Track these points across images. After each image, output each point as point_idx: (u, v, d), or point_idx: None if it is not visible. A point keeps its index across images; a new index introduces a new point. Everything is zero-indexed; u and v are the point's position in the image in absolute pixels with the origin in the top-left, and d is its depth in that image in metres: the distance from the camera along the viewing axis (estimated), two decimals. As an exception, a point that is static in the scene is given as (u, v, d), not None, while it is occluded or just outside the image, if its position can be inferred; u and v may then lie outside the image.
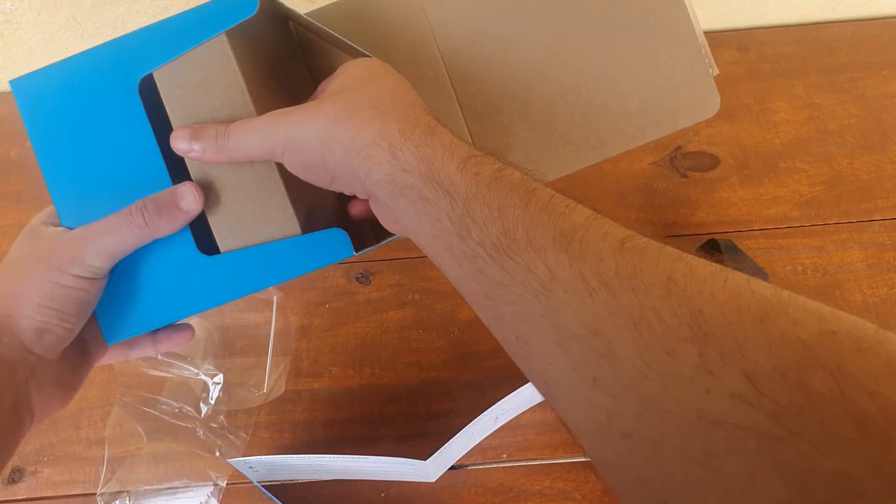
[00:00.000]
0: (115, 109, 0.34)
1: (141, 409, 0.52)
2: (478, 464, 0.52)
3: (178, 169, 0.35)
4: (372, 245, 0.36)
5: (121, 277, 0.34)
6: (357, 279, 0.58)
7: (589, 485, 0.51)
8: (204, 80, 0.34)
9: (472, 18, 0.39)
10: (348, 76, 0.32)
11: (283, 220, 0.35)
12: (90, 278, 0.32)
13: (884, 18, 0.70)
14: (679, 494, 0.18)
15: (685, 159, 0.62)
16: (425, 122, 0.29)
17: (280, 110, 0.31)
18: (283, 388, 0.53)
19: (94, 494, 0.51)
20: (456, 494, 0.51)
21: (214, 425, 0.52)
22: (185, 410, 0.52)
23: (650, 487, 0.19)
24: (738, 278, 0.19)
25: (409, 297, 0.57)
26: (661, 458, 0.19)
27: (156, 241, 0.33)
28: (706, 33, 0.70)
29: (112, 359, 0.38)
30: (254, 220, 0.34)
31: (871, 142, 0.63)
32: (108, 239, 0.32)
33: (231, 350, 0.55)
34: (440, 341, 0.55)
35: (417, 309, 0.57)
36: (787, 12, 0.69)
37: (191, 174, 0.34)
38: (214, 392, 0.52)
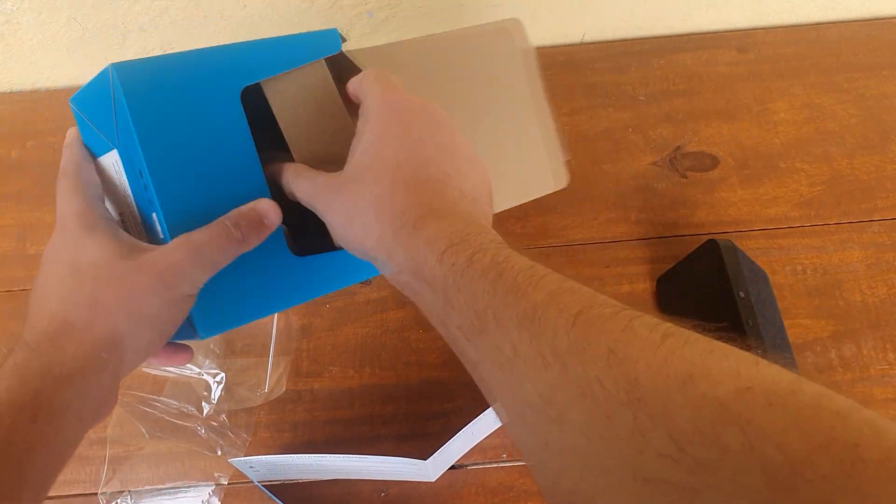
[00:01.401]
0: (219, 114, 0.35)
1: (142, 409, 0.52)
2: (478, 463, 0.52)
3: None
4: None
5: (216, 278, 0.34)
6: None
7: (589, 484, 0.51)
8: (307, 96, 0.38)
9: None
10: (370, 138, 0.33)
11: None
12: (192, 294, 0.33)
13: (884, 19, 0.70)
14: None
15: (685, 159, 0.63)
16: (415, 214, 0.30)
17: (322, 184, 0.34)
18: (283, 388, 0.53)
19: (96, 494, 0.51)
20: (456, 494, 0.51)
21: (216, 424, 0.52)
22: (186, 410, 0.52)
23: None
24: (673, 343, 0.21)
25: (410, 297, 0.57)
26: None
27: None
28: (706, 34, 0.70)
29: (161, 363, 0.39)
30: None
31: (871, 142, 0.63)
32: (212, 253, 0.32)
33: (232, 350, 0.55)
34: (440, 341, 0.55)
35: (417, 309, 0.56)
36: (787, 12, 0.69)
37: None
38: (216, 391, 0.52)
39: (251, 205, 0.34)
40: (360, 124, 0.34)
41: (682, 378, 0.20)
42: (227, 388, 0.52)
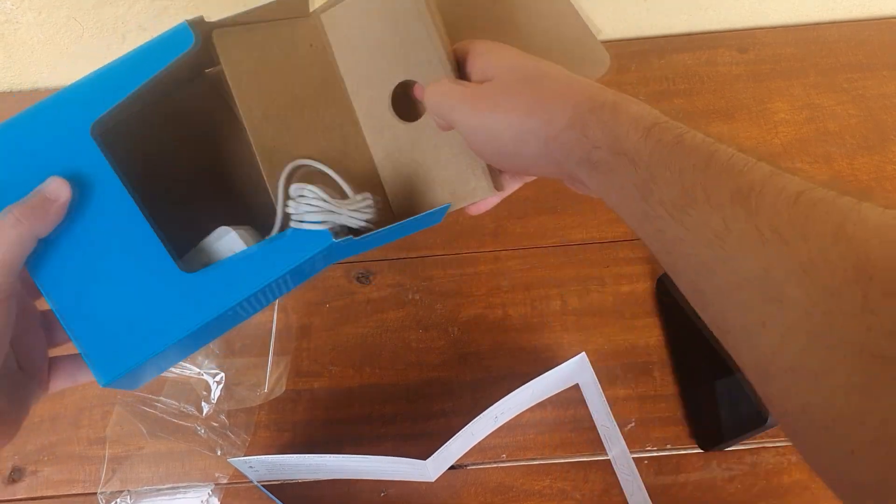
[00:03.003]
0: (76, 165, 0.32)
1: (142, 409, 0.52)
2: (477, 464, 0.52)
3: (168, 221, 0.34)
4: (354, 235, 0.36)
5: (102, 313, 0.32)
6: (357, 279, 0.58)
7: (588, 485, 0.51)
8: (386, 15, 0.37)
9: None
10: (508, 61, 0.34)
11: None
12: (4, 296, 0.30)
13: (883, 19, 0.70)
14: (841, 418, 0.20)
15: (685, 159, 0.63)
16: (609, 98, 0.30)
17: (471, 90, 0.34)
18: (283, 388, 0.53)
19: (95, 494, 0.51)
20: (456, 494, 0.51)
21: (215, 424, 0.52)
22: (185, 410, 0.52)
23: (811, 415, 0.21)
24: None
25: (409, 297, 0.57)
26: (823, 388, 0.21)
27: (133, 266, 0.32)
28: (706, 34, 0.70)
29: (59, 386, 0.36)
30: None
31: (871, 142, 0.63)
32: None
33: (231, 349, 0.55)
34: (440, 341, 0.56)
35: (417, 309, 0.57)
36: (787, 13, 0.69)
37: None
38: (215, 391, 0.52)
39: (38, 186, 0.31)
40: (477, 72, 0.35)
41: None
42: (227, 388, 0.52)
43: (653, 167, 0.27)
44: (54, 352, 0.36)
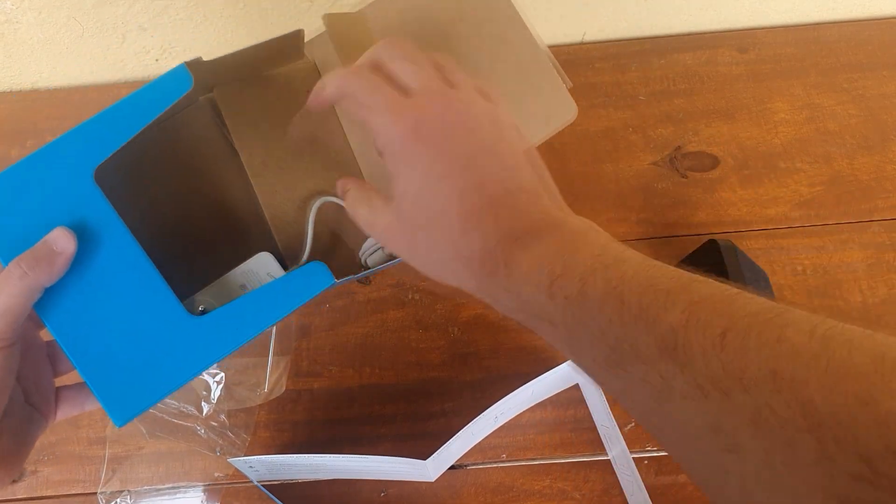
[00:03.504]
0: (78, 210, 0.33)
1: (141, 409, 0.52)
2: (477, 464, 0.52)
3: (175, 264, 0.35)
4: (356, 273, 0.38)
5: (115, 358, 0.33)
6: (357, 279, 0.58)
7: (588, 485, 0.51)
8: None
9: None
10: (411, 178, 0.30)
11: None
12: (8, 345, 0.31)
13: (884, 19, 0.70)
14: None
15: (685, 159, 0.63)
16: (502, 252, 0.28)
17: (386, 225, 0.32)
18: (283, 388, 0.53)
19: (95, 494, 0.51)
20: (455, 494, 0.51)
21: (215, 424, 0.52)
22: (185, 409, 0.52)
23: None
24: (837, 353, 0.20)
25: (409, 296, 0.57)
26: None
27: (142, 312, 0.33)
28: (706, 33, 0.70)
29: (67, 414, 0.37)
30: None
31: (871, 142, 0.63)
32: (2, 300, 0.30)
33: (231, 349, 0.55)
34: (440, 341, 0.55)
35: (417, 309, 0.57)
36: (787, 12, 0.69)
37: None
38: (215, 391, 0.52)
39: (42, 239, 0.32)
40: (387, 161, 0.30)
41: (864, 398, 0.19)
42: (227, 388, 0.52)
43: (570, 328, 0.26)
44: (61, 380, 0.37)
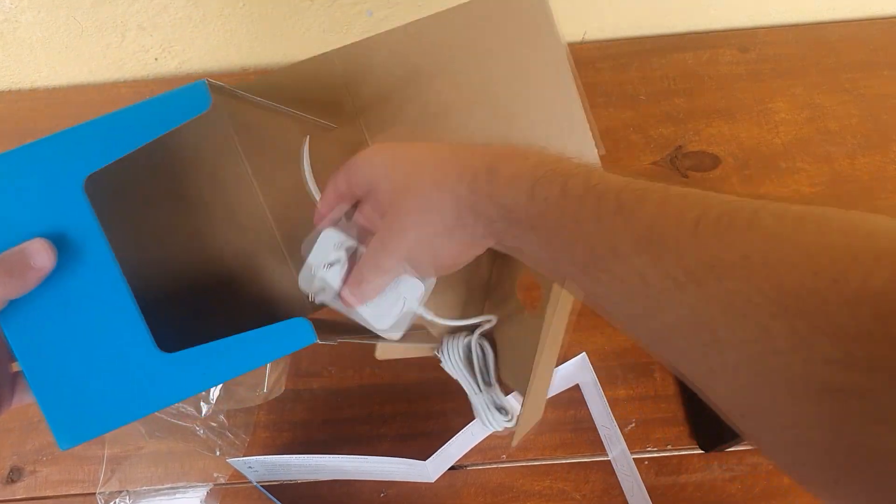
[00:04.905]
0: (60, 218, 0.30)
1: (140, 409, 0.52)
2: (477, 464, 0.52)
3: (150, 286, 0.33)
4: (339, 338, 0.37)
5: (70, 380, 0.31)
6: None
7: (588, 485, 0.51)
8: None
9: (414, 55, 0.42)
10: (380, 172, 0.33)
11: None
12: None
13: (884, 18, 0.70)
14: (811, 455, 0.19)
15: (686, 159, 0.62)
16: (483, 164, 0.29)
17: (378, 237, 0.33)
18: (282, 388, 0.53)
19: (94, 494, 0.51)
20: (455, 494, 0.51)
21: (214, 424, 0.52)
22: (185, 410, 0.52)
23: (781, 455, 0.21)
24: (810, 236, 0.19)
25: (409, 296, 0.57)
26: (782, 429, 0.20)
27: (110, 339, 0.31)
28: (707, 33, 0.70)
29: (23, 401, 0.35)
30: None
31: (872, 142, 0.63)
32: None
33: (231, 349, 0.55)
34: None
35: (417, 309, 0.56)
36: (788, 12, 0.69)
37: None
38: (214, 391, 0.52)
39: (19, 246, 0.29)
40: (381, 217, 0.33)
41: (833, 276, 0.18)
42: (226, 388, 0.52)
43: (549, 230, 0.26)
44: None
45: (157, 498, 0.51)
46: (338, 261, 0.35)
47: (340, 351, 0.55)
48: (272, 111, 0.37)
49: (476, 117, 0.43)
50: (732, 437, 0.49)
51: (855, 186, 0.61)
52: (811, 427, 0.19)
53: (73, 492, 0.51)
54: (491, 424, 0.42)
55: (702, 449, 0.52)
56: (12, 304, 0.30)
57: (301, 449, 0.52)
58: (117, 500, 0.51)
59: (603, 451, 0.52)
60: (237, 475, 0.51)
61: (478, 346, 0.42)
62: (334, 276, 0.35)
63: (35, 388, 0.31)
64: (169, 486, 0.51)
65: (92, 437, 0.31)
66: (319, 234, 0.36)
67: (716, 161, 0.62)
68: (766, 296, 0.19)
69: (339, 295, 0.36)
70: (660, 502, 0.50)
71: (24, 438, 0.53)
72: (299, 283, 0.37)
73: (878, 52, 0.67)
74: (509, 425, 0.42)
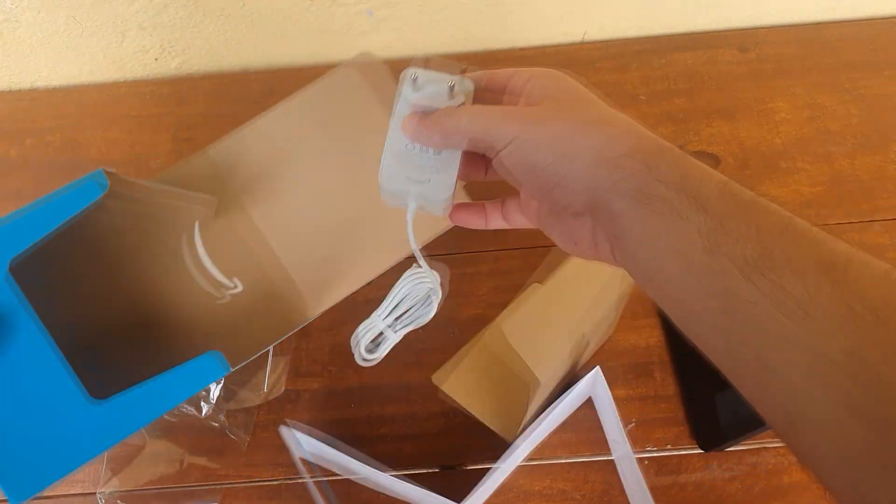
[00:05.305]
0: None
1: (140, 409, 0.52)
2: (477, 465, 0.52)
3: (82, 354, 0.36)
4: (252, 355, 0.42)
5: (13, 441, 0.35)
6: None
7: (589, 485, 0.51)
8: None
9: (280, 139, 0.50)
10: (564, 87, 0.31)
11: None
12: None
13: (884, 18, 0.70)
14: None
15: (686, 159, 0.62)
16: (672, 146, 0.28)
17: (506, 107, 0.31)
18: (282, 388, 0.53)
19: (94, 494, 0.51)
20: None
21: (215, 424, 0.52)
22: (185, 410, 0.52)
23: None
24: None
25: (409, 296, 0.57)
26: None
27: (44, 401, 0.35)
28: (707, 33, 0.70)
29: None
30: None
31: (872, 142, 0.63)
32: None
33: (231, 349, 0.55)
34: (440, 341, 0.55)
35: (417, 309, 0.56)
36: (788, 12, 0.69)
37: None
38: (215, 391, 0.52)
39: None
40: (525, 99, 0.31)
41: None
42: (226, 389, 0.52)
43: (724, 218, 0.25)
44: None
45: (157, 498, 0.51)
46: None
47: (340, 351, 0.55)
48: (163, 192, 0.44)
49: (341, 177, 0.50)
50: (732, 437, 0.49)
51: (855, 186, 0.61)
52: None
53: (73, 492, 0.51)
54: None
55: (702, 449, 0.52)
56: None
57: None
58: (118, 501, 0.51)
59: (603, 451, 0.52)
60: (237, 475, 0.51)
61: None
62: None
63: None
64: (169, 486, 0.51)
65: (40, 490, 0.35)
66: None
67: (716, 161, 0.62)
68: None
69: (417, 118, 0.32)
70: (660, 502, 0.50)
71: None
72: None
73: (878, 52, 0.67)
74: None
